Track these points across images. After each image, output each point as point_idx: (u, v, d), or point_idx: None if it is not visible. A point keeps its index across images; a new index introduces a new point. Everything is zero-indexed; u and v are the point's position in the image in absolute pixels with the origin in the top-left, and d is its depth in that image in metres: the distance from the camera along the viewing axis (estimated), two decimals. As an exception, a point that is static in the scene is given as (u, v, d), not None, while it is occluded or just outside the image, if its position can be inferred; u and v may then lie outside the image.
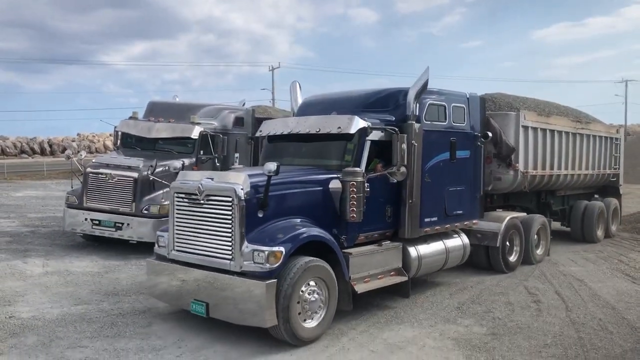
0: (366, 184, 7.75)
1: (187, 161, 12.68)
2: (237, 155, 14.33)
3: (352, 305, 7.69)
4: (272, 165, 6.81)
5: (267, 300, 6.56)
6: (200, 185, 7.25)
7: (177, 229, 7.58)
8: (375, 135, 8.21)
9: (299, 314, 6.92)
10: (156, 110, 14.33)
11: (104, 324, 7.60)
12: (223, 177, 7.35)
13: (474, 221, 10.07)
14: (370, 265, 8.07)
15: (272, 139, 9.18)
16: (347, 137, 8.12)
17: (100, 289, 9.32)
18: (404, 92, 8.77)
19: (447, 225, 9.40)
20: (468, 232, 10.09)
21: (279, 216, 7.27)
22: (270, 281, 6.63)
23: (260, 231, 7.04)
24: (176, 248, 7.58)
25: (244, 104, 16.34)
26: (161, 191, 11.74)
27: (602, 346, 7.08)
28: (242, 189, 6.93)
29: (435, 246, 9.20)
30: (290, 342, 6.86)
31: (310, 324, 7.06)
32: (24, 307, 8.23)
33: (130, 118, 14.17)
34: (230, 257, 6.94)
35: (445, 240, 9.44)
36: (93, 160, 13.06)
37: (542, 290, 9.70)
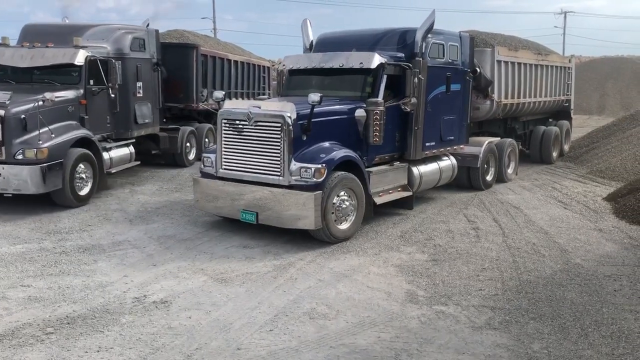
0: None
1: (71, 93, 10.82)
2: (139, 84, 12.96)
3: (373, 214, 9.28)
4: (316, 96, 8.07)
5: (315, 207, 8.02)
6: (249, 112, 8.43)
7: (224, 150, 8.79)
8: (390, 69, 9.52)
9: (335, 220, 8.43)
10: (32, 35, 12.16)
11: (47, 262, 7.55)
12: (270, 106, 8.56)
13: (462, 146, 11.71)
14: (384, 182, 9.61)
15: (294, 72, 10.32)
16: (367, 71, 9.40)
17: (40, 227, 9.20)
18: (411, 32, 10.06)
19: (441, 149, 11.00)
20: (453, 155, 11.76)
21: (317, 139, 8.60)
22: (317, 192, 8.07)
23: (303, 152, 8.38)
24: (224, 167, 8.82)
25: (147, 25, 14.13)
26: (37, 131, 9.68)
27: (534, 268, 7.51)
28: (289, 116, 8.19)
29: (432, 166, 10.84)
30: (328, 240, 8.40)
31: (343, 226, 8.60)
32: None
33: (0, 45, 11.78)
34: (279, 173, 8.28)
35: (438, 162, 11.08)
36: None
37: (481, 217, 10.18)
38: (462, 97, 11.44)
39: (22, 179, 9.51)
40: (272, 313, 6.06)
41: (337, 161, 8.44)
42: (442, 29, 10.74)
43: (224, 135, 8.77)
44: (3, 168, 9.53)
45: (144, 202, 11.08)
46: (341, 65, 9.53)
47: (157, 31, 14.00)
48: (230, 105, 9.00)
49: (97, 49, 11.60)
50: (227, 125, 8.73)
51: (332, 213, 8.36)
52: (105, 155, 11.41)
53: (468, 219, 10.19)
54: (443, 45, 10.65)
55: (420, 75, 9.71)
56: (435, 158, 11.04)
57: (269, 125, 8.33)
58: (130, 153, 12.56)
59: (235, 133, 8.65)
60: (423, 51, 9.93)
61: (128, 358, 5.06)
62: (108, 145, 11.70)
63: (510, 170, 13.91)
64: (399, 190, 10.02)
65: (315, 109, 8.35)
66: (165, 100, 14.76)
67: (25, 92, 10.38)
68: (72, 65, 11.00)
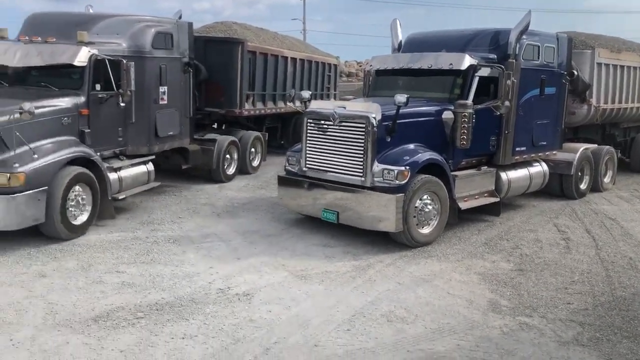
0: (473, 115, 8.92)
1: (66, 101, 8.55)
2: (163, 88, 10.35)
3: (457, 219, 9.07)
4: (402, 98, 8.00)
5: (396, 210, 7.95)
6: (334, 112, 8.49)
7: (308, 149, 8.91)
8: (483, 71, 9.25)
9: (416, 223, 8.32)
10: (35, 26, 9.72)
11: (140, 250, 7.91)
12: (355, 106, 8.59)
13: (554, 152, 11.18)
14: (470, 186, 9.36)
15: (381, 72, 10.29)
16: (457, 72, 9.20)
17: (134, 218, 9.62)
18: (504, 33, 9.74)
19: (532, 155, 10.57)
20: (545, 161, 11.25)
21: (401, 141, 8.52)
22: (399, 195, 7.99)
23: (387, 153, 8.33)
24: (308, 165, 8.94)
25: (180, 17, 11.39)
26: (13, 151, 7.53)
27: (630, 284, 7.09)
28: (374, 117, 8.17)
29: (522, 172, 10.43)
30: (409, 244, 8.30)
31: (425, 230, 8.46)
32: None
33: None
34: (361, 174, 8.28)
35: (529, 168, 10.64)
36: None
37: (572, 228, 9.73)
38: (557, 100, 10.93)
39: None
40: (349, 313, 6.08)
41: (422, 164, 8.32)
42: (538, 30, 10.32)
43: (308, 134, 8.89)
44: None
45: (231, 197, 11.45)
46: (430, 66, 9.38)
47: (190, 24, 11.28)
48: (315, 105, 9.12)
49: (107, 46, 9.23)
50: (312, 124, 8.83)
51: (414, 216, 8.25)
52: (113, 176, 9.11)
53: (558, 228, 9.74)
54: (539, 46, 10.23)
55: (512, 78, 9.38)
56: (526, 163, 10.62)
57: (353, 125, 8.34)
58: (148, 172, 10.05)
59: (320, 133, 8.74)
60: (517, 52, 9.59)
61: (210, 347, 5.26)
62: (117, 164, 9.34)
63: (607, 180, 13.11)
64: (485, 196, 9.72)
65: (401, 110, 8.28)
66: (205, 104, 12.95)
67: (14, 97, 8.39)
68: (72, 66, 8.65)
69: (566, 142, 12.28)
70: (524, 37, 9.70)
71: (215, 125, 14.53)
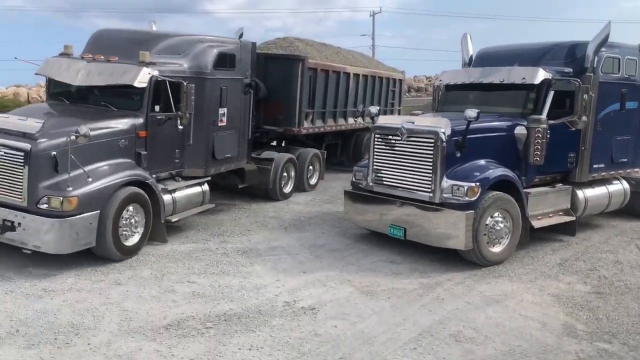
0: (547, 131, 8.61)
1: (124, 123, 8.42)
2: (223, 110, 10.09)
3: (528, 238, 8.75)
4: (472, 112, 7.85)
5: (466, 227, 7.77)
6: (402, 127, 8.43)
7: (375, 164, 8.87)
8: (556, 85, 8.94)
9: (487, 242, 8.09)
10: (101, 43, 9.65)
11: (210, 261, 8.11)
12: (424, 121, 8.50)
13: (636, 169, 10.61)
14: (544, 204, 9.02)
15: (451, 87, 10.14)
16: (530, 87, 8.93)
17: (206, 229, 9.83)
18: (581, 46, 9.39)
19: (612, 172, 10.07)
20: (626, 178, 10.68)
21: (471, 157, 8.33)
22: (469, 211, 7.82)
23: (456, 169, 8.18)
24: (374, 181, 8.90)
25: (241, 35, 11.16)
26: (67, 174, 7.39)
27: None
28: (444, 132, 8.05)
29: (600, 190, 9.96)
30: (479, 262, 8.08)
31: (496, 249, 8.21)
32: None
33: (61, 55, 9.45)
34: (429, 190, 8.16)
35: (608, 186, 10.14)
36: None
37: None
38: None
39: (42, 234, 7.36)
40: (416, 331, 5.98)
41: (492, 180, 8.10)
42: (618, 42, 9.88)
43: (375, 149, 8.85)
44: (24, 217, 7.41)
45: (298, 211, 11.56)
46: (502, 80, 9.15)
47: (253, 44, 11.16)
48: (383, 120, 9.09)
49: (168, 66, 9.02)
50: (380, 139, 8.80)
51: (485, 234, 8.03)
52: (167, 198, 8.90)
53: (641, 250, 9.21)
54: (619, 59, 9.78)
55: (590, 92, 9.00)
56: (604, 181, 10.13)
57: (421, 140, 8.25)
58: (203, 193, 9.83)
59: (388, 148, 8.69)
60: (595, 66, 9.22)
61: (276, 359, 5.30)
62: (172, 186, 9.14)
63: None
64: (560, 215, 9.33)
65: (471, 125, 8.12)
66: (263, 122, 12.65)
67: (74, 116, 8.45)
68: (132, 87, 8.47)
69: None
70: (602, 49, 9.31)
71: (275, 143, 14.29)
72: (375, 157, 8.88)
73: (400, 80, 18.51)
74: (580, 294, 7.20)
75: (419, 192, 8.30)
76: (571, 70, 9.26)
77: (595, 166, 9.62)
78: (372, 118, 9.30)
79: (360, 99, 15.53)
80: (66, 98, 9.23)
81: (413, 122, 8.49)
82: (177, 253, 8.48)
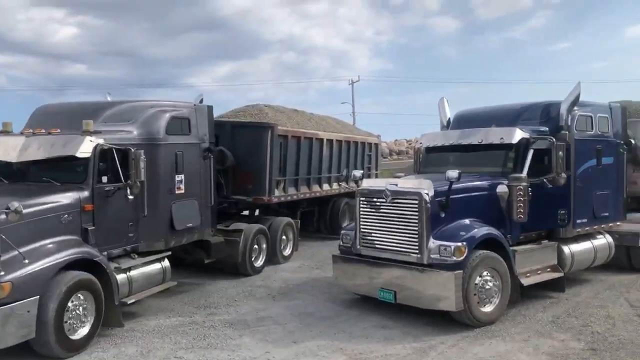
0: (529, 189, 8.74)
1: (66, 197, 7.69)
2: (180, 177, 9.42)
3: (520, 296, 8.72)
4: (454, 173, 7.99)
5: (455, 287, 7.73)
6: (386, 190, 8.51)
7: (362, 228, 8.88)
8: (533, 144, 9.16)
9: (477, 302, 8.03)
10: (42, 118, 9.26)
11: (197, 335, 7.93)
12: (407, 183, 8.61)
13: (617, 223, 10.74)
14: (532, 261, 9.04)
15: (431, 150, 10.34)
16: (508, 146, 9.15)
17: (192, 302, 9.65)
18: (555, 105, 9.72)
19: (595, 227, 10.19)
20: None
21: (456, 216, 8.40)
22: (457, 271, 7.80)
23: (442, 229, 8.21)
24: (362, 244, 8.88)
25: (201, 100, 10.79)
26: (2, 255, 6.64)
27: None
28: (427, 193, 8.14)
29: (585, 245, 10.03)
30: (471, 323, 7.98)
31: (487, 308, 8.14)
32: (124, 319, 8.15)
33: (0, 133, 8.99)
34: (416, 251, 8.16)
35: (592, 240, 10.23)
36: None
37: None
38: (616, 170, 10.64)
39: None
40: (412, 398, 5.81)
41: (479, 239, 8.14)
42: (589, 100, 10.25)
43: (361, 212, 8.90)
44: None
45: (286, 278, 11.42)
46: (480, 141, 9.38)
47: (209, 107, 10.45)
48: (367, 183, 9.20)
49: (116, 134, 8.46)
50: (365, 202, 8.86)
51: (475, 294, 7.98)
52: (122, 278, 8.13)
53: (631, 304, 9.19)
54: (591, 117, 10.11)
55: (564, 149, 9.23)
56: (589, 236, 10.23)
57: (406, 202, 8.32)
58: (164, 269, 9.03)
59: (373, 210, 8.74)
60: (569, 124, 9.52)
61: None
62: (126, 264, 8.36)
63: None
64: (548, 271, 9.34)
65: (453, 186, 8.23)
66: (232, 192, 12.16)
67: (11, 194, 7.66)
68: (75, 158, 7.85)
69: (632, 212, 11.82)
70: (575, 108, 9.64)
71: (247, 212, 13.59)
72: (361, 220, 8.91)
73: (376, 144, 18.35)
74: (575, 352, 7.10)
75: (406, 254, 8.29)
76: (547, 129, 9.53)
77: (578, 221, 9.74)
78: (356, 182, 9.40)
79: (335, 164, 15.26)
80: (5, 177, 8.48)
81: (396, 184, 8.59)
82: (162, 327, 8.26)
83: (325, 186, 14.89)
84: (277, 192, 12.80)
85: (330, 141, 15.08)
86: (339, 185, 15.26)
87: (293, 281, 11.16)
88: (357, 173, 9.49)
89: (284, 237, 12.80)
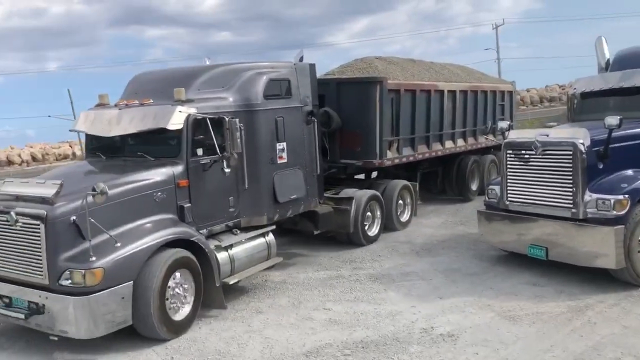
0: None
1: (159, 174, 7.19)
2: (281, 145, 8.70)
3: None
4: (614, 120, 7.28)
5: (616, 244, 7.13)
6: (536, 141, 7.99)
7: (510, 182, 8.47)
8: None
9: (641, 258, 7.36)
10: (136, 87, 8.71)
11: (344, 288, 8.16)
12: (560, 133, 8.03)
13: None
14: None
15: (587, 95, 9.49)
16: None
17: (338, 256, 9.88)
18: None
19: None
20: None
21: (616, 167, 7.69)
22: (618, 227, 7.18)
23: (600, 181, 7.58)
24: (509, 198, 8.49)
25: (301, 59, 9.75)
26: (89, 242, 6.21)
27: None
28: (582, 143, 7.52)
29: None
30: (634, 282, 7.37)
31: (653, 268, 7.43)
32: (275, 272, 8.92)
33: (96, 106, 8.52)
34: (571, 205, 7.62)
35: None
36: None
37: None
38: None
39: (67, 316, 6.15)
40: (567, 358, 5.57)
41: (644, 191, 7.40)
42: None
43: (509, 166, 8.47)
44: (47, 297, 6.23)
45: (429, 234, 11.33)
46: (645, 82, 8.41)
47: (312, 66, 9.57)
48: (515, 134, 8.69)
49: (210, 102, 7.83)
50: (512, 155, 8.42)
51: (639, 251, 7.31)
52: (223, 256, 7.61)
53: None
54: None
55: None
56: None
57: (558, 153, 7.76)
58: (268, 245, 8.45)
59: (521, 163, 8.28)
60: None
61: (416, 387, 5.18)
62: (227, 241, 7.81)
63: None
64: None
65: (613, 134, 7.51)
66: (340, 155, 11.22)
67: (103, 172, 7.66)
68: (166, 130, 7.30)
69: None
70: None
71: (363, 175, 12.67)
72: (508, 174, 8.49)
73: (510, 92, 16.28)
74: None
75: (560, 209, 7.79)
76: None
77: None
78: (502, 133, 8.95)
79: (459, 118, 13.63)
80: (103, 153, 8.13)
81: (547, 135, 8.03)
82: (311, 280, 8.66)
83: (448, 144, 13.42)
84: (389, 154, 11.48)
85: (452, 92, 13.34)
86: (486, 138, 14.16)
87: (437, 237, 11.04)
88: (504, 124, 9.00)
89: (400, 201, 11.70)
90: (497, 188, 8.80)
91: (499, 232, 8.72)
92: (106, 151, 8.12)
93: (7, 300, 6.56)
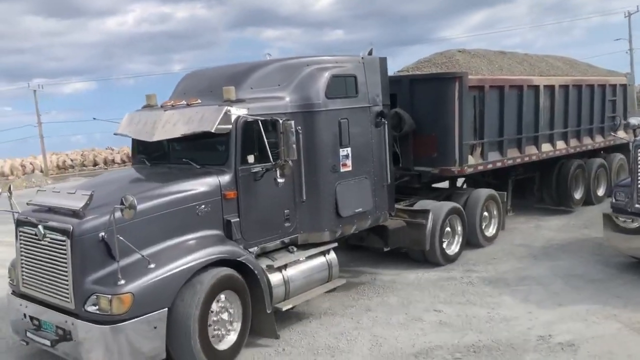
0: None
1: (200, 184, 6.32)
2: (345, 150, 7.64)
3: None
4: None
5: None
6: (673, 139, 7.30)
7: (641, 184, 7.80)
8: None
9: None
10: (186, 87, 7.96)
11: (455, 291, 7.97)
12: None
13: None
14: None
15: None
16: None
17: None
18: None
19: None
20: None
21: None
22: None
23: None
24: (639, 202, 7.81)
25: (370, 52, 8.32)
26: (117, 263, 5.42)
27: None
28: None
29: None
30: None
31: None
32: (385, 270, 9.04)
33: (143, 108, 7.76)
34: None
35: None
36: (30, 200, 6.54)
37: None
38: None
39: (90, 347, 5.43)
40: None
41: None
42: None
43: (641, 166, 7.82)
44: (73, 324, 5.53)
45: (549, 238, 10.73)
46: None
47: (382, 60, 8.40)
48: (648, 132, 8.01)
49: (263, 102, 6.91)
50: (644, 154, 7.76)
51: None
52: (276, 278, 6.69)
53: None
54: None
55: None
56: None
57: None
58: (329, 265, 7.44)
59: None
60: None
61: (532, 397, 4.94)
62: (281, 261, 6.83)
63: None
64: None
65: None
66: (413, 162, 9.99)
67: (141, 181, 7.03)
68: (212, 134, 6.40)
69: None
70: None
71: (447, 183, 11.43)
72: None
73: (624, 86, 14.35)
74: None
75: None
76: None
77: None
78: (634, 131, 8.28)
79: (559, 117, 12.05)
80: (148, 158, 7.38)
81: (687, 132, 7.32)
82: (421, 281, 8.54)
83: (546, 146, 11.80)
84: (471, 160, 10.11)
85: (549, 88, 11.75)
86: (613, 135, 12.57)
87: (556, 240, 10.44)
88: (635, 121, 8.33)
89: (485, 213, 10.34)
90: (626, 190, 8.15)
91: (628, 238, 8.06)
92: (151, 157, 7.36)
93: (36, 323, 5.90)
